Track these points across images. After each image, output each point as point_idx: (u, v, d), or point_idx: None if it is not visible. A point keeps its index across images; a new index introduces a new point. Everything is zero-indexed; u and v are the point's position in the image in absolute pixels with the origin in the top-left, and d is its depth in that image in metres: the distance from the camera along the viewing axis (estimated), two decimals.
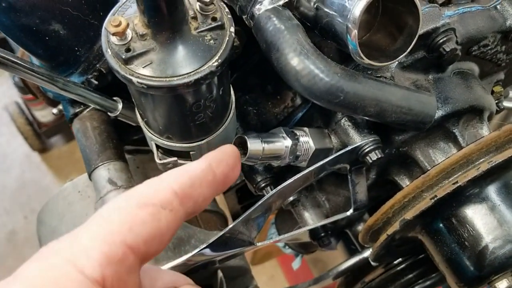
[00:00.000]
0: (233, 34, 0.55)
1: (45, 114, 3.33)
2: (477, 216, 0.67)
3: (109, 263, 0.39)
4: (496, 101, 0.91)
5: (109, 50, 0.53)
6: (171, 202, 0.45)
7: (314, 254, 1.88)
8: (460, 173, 0.63)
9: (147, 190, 0.45)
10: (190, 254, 0.63)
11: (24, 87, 3.07)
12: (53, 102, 1.03)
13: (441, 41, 0.67)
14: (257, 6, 0.64)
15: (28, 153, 3.44)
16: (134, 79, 0.52)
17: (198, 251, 0.65)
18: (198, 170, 0.49)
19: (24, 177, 3.37)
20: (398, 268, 0.94)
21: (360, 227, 0.93)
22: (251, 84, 0.89)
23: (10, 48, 2.04)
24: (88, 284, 0.38)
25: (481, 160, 0.63)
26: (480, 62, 0.78)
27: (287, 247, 1.01)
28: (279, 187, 0.67)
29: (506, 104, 1.15)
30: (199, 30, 0.54)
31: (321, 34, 0.64)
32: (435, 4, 0.70)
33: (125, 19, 0.51)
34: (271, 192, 0.67)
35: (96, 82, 0.72)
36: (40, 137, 3.40)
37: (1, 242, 3.12)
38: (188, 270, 0.68)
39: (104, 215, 0.42)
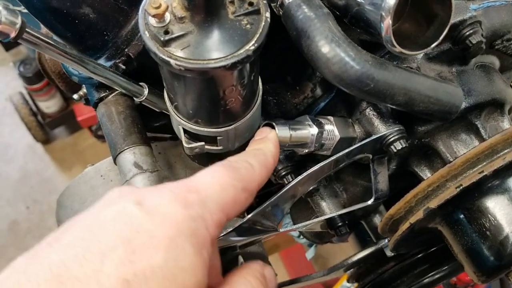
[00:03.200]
0: (268, 20, 0.56)
1: (49, 105, 3.33)
2: (498, 206, 0.68)
3: (218, 228, 0.48)
4: None
5: (147, 32, 0.54)
6: (255, 191, 0.54)
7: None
8: (485, 163, 0.64)
9: (248, 176, 0.54)
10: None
11: (31, 77, 3.07)
12: (71, 88, 1.03)
13: (467, 33, 0.68)
14: None
15: (31, 144, 3.45)
16: (172, 61, 0.52)
17: (223, 235, 0.66)
18: (271, 165, 0.60)
19: (27, 168, 3.38)
20: (411, 260, 0.95)
21: (376, 219, 0.94)
22: (272, 74, 0.90)
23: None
24: (210, 241, 0.46)
25: (506, 151, 0.64)
26: (501, 56, 0.79)
27: (301, 236, 1.02)
28: (304, 174, 0.68)
29: None
30: (236, 14, 0.54)
31: (351, 23, 0.65)
32: None
33: (164, 1, 0.52)
34: (296, 179, 0.68)
35: (123, 67, 0.72)
36: (43, 128, 3.40)
37: (3, 232, 3.12)
38: None
39: (222, 186, 0.50)
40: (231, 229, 0.64)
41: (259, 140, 0.65)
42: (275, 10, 0.67)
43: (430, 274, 0.97)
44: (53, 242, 0.43)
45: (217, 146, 0.69)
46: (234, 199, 0.51)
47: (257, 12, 0.55)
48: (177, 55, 0.53)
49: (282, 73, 0.90)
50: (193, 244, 0.44)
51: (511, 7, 0.75)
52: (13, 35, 0.56)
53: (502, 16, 0.73)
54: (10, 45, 3.34)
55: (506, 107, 0.77)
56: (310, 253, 1.09)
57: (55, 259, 0.41)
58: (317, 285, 2.16)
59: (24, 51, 3.30)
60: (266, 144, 0.63)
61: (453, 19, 0.68)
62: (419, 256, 0.95)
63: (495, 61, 0.79)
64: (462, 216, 0.70)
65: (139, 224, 0.43)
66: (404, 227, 0.71)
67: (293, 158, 0.81)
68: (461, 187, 0.63)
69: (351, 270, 1.05)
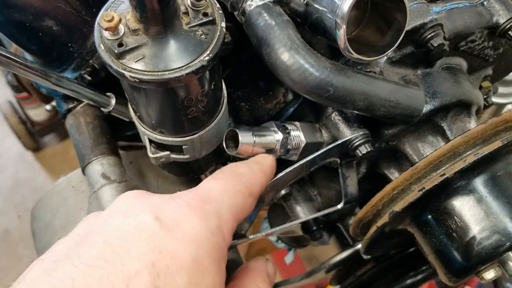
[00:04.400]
0: (224, 29, 0.56)
1: (39, 113, 3.32)
2: (464, 207, 0.68)
3: (231, 235, 0.50)
4: (485, 96, 0.92)
5: (101, 45, 0.54)
6: (258, 195, 0.57)
7: (308, 251, 1.89)
8: (447, 165, 0.65)
9: (252, 180, 0.56)
10: None
11: (18, 86, 3.07)
12: (46, 99, 1.04)
13: (428, 36, 0.69)
14: (248, 2, 0.65)
15: (21, 152, 3.43)
16: (127, 74, 0.53)
17: None
18: (270, 173, 0.62)
19: (18, 176, 3.36)
20: (389, 262, 0.96)
21: (351, 221, 0.95)
22: (244, 80, 0.90)
23: (1, 44, 2.04)
24: (226, 250, 0.48)
25: (468, 153, 0.65)
26: (468, 57, 0.79)
27: (279, 241, 1.02)
28: (270, 181, 0.68)
29: (495, 99, 1.17)
30: (191, 25, 0.55)
31: (311, 29, 0.65)
32: (423, 1, 0.71)
33: (117, 14, 0.52)
34: None
35: (89, 78, 0.73)
36: (33, 136, 3.39)
37: None
38: None
39: (231, 193, 0.52)
40: None
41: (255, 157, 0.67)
42: (237, 18, 0.68)
43: (409, 275, 0.97)
44: (74, 258, 0.42)
45: (183, 154, 0.69)
46: (242, 205, 0.53)
47: (212, 22, 0.55)
48: (131, 67, 0.53)
49: (254, 79, 0.90)
50: (214, 260, 0.45)
51: (474, 9, 0.75)
52: None
53: (465, 18, 0.74)
54: None
55: (473, 108, 0.77)
56: (289, 257, 1.09)
57: (80, 280, 0.40)
58: (309, 286, 2.16)
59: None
60: (262, 156, 0.66)
61: (414, 23, 0.69)
62: (397, 257, 0.96)
63: (462, 63, 0.79)
64: (430, 217, 0.71)
65: (160, 243, 0.43)
66: (372, 230, 0.71)
67: None
68: (423, 190, 0.64)
69: (332, 272, 1.05)
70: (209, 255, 0.45)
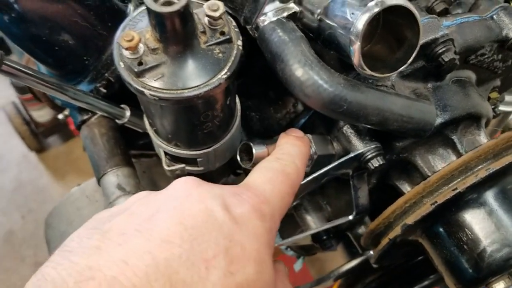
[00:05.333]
0: (240, 47, 0.57)
1: (42, 114, 3.33)
2: (475, 220, 0.69)
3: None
4: (493, 107, 0.93)
5: (121, 63, 0.55)
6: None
7: (314, 256, 1.90)
8: (459, 179, 0.66)
9: (297, 181, 0.58)
10: None
11: (24, 87, 3.06)
12: (57, 107, 1.05)
13: (440, 51, 0.69)
14: (262, 18, 0.66)
15: (25, 153, 3.45)
16: (146, 92, 0.53)
17: None
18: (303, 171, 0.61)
19: (21, 177, 3.38)
20: (398, 270, 0.97)
21: (361, 230, 0.96)
22: (254, 90, 0.91)
23: (7, 47, 2.04)
24: (275, 233, 0.50)
25: (479, 167, 0.66)
26: (477, 70, 0.80)
27: (289, 249, 1.03)
28: None
29: (501, 108, 1.18)
30: (208, 44, 0.56)
31: (324, 45, 0.66)
32: (434, 16, 0.72)
33: (137, 33, 0.53)
34: None
35: (104, 91, 0.74)
36: (37, 137, 3.40)
37: None
38: None
39: (282, 195, 0.54)
40: None
41: (298, 137, 0.67)
42: (250, 32, 0.68)
43: (416, 284, 0.98)
44: (145, 232, 0.43)
45: (197, 167, 0.70)
46: (287, 206, 0.54)
47: (228, 40, 0.56)
48: (151, 85, 0.54)
49: (264, 89, 0.91)
50: (270, 257, 0.47)
51: (484, 23, 0.76)
52: None
53: (475, 31, 0.74)
54: None
55: (482, 121, 0.78)
56: (298, 265, 1.10)
57: (159, 256, 0.41)
58: None
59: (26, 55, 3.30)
60: (304, 140, 0.67)
61: (426, 38, 0.70)
62: (405, 265, 0.97)
63: (471, 75, 0.80)
64: (441, 229, 0.72)
65: (230, 232, 0.44)
66: (384, 242, 0.72)
67: None
68: (435, 204, 0.65)
69: (340, 280, 1.06)
70: (266, 252, 0.46)
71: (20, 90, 3.20)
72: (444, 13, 0.83)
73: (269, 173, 0.55)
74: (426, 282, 0.99)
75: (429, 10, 0.83)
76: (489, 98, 0.89)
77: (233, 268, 0.42)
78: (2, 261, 3.00)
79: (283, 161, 0.58)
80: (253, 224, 0.46)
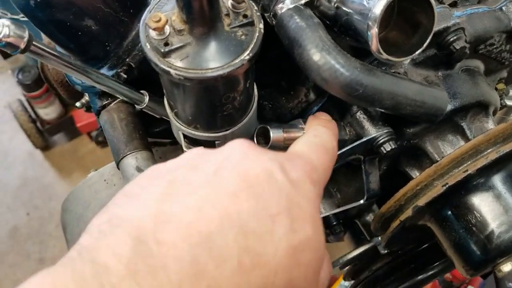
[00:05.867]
0: (262, 30, 0.59)
1: (48, 112, 3.36)
2: (484, 203, 0.71)
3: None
4: (499, 98, 0.95)
5: (148, 44, 0.57)
6: None
7: None
8: (469, 162, 0.68)
9: (334, 160, 0.59)
10: None
11: (30, 85, 3.09)
12: (73, 97, 1.07)
13: (451, 39, 0.72)
14: (280, 5, 0.68)
15: (30, 150, 3.47)
16: (172, 71, 0.56)
17: None
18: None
19: (27, 175, 3.40)
20: (404, 257, 0.99)
21: (369, 217, 0.98)
22: (267, 80, 0.94)
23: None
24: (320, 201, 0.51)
25: (489, 150, 0.68)
26: (485, 60, 0.83)
27: None
28: None
29: (507, 101, 1.20)
30: (232, 26, 0.58)
31: (340, 31, 0.68)
32: (446, 5, 0.75)
33: (164, 15, 0.55)
34: None
35: (125, 76, 0.76)
36: (42, 134, 3.43)
37: (3, 239, 3.15)
38: None
39: (325, 169, 0.55)
40: None
41: (328, 120, 0.69)
42: (268, 20, 0.71)
43: (422, 271, 1.00)
44: (213, 185, 0.44)
45: None
46: (327, 179, 0.56)
47: (251, 24, 0.59)
48: (176, 65, 0.56)
49: (277, 79, 0.93)
50: (321, 221, 0.48)
51: (493, 14, 0.78)
52: (22, 47, 0.59)
53: (485, 22, 0.77)
54: (8, 53, 3.37)
55: (491, 109, 0.81)
56: None
57: (230, 208, 0.42)
58: None
59: (23, 59, 3.33)
60: (333, 122, 0.68)
61: (438, 26, 0.72)
62: (412, 252, 0.99)
63: (479, 65, 0.82)
64: (449, 213, 0.74)
65: (289, 193, 0.46)
66: (394, 224, 0.74)
67: None
68: (447, 186, 0.67)
69: (347, 268, 1.08)
70: (319, 215, 0.48)
71: (26, 87, 3.23)
72: (453, 4, 0.85)
73: (313, 146, 0.57)
74: (432, 271, 1.00)
75: (438, 2, 0.86)
76: (496, 89, 0.92)
77: (295, 226, 0.44)
78: (7, 257, 3.02)
79: (322, 138, 0.60)
80: (307, 188, 0.48)
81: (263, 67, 0.92)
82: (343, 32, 0.67)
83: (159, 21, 0.55)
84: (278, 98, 0.93)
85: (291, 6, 0.68)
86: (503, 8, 0.79)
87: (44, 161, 3.46)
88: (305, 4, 0.68)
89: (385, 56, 0.61)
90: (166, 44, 0.56)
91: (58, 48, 0.80)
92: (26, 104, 3.39)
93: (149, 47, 0.57)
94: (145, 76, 0.79)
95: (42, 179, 3.36)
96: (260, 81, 0.93)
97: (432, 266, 1.00)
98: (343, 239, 1.17)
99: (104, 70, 0.77)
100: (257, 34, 0.59)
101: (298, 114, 0.89)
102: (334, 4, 0.67)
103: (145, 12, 0.60)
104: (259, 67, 0.92)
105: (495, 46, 0.80)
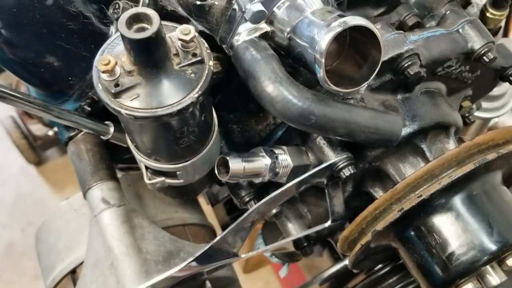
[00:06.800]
0: (211, 68, 0.61)
1: (40, 128, 3.35)
2: (443, 225, 0.72)
3: None
4: (467, 115, 0.97)
5: (99, 85, 0.59)
6: None
7: (308, 260, 1.93)
8: (424, 187, 0.69)
9: None
10: (178, 268, 0.68)
11: None
12: (48, 124, 1.08)
13: (405, 65, 0.73)
14: (236, 37, 0.70)
15: (24, 166, 3.47)
16: (123, 111, 0.57)
17: (185, 265, 0.70)
18: None
19: (21, 190, 3.40)
20: (379, 274, 1.00)
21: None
22: (235, 103, 0.95)
23: None
24: None
25: (443, 175, 0.69)
26: (446, 81, 0.84)
27: (273, 256, 1.07)
28: (259, 203, 0.73)
29: (480, 114, 1.22)
30: (181, 65, 0.59)
31: (294, 61, 0.69)
32: (401, 31, 0.76)
33: (113, 57, 0.57)
34: (252, 208, 0.72)
35: (89, 109, 0.77)
36: (35, 150, 3.43)
37: None
38: (178, 281, 0.74)
39: None
40: (191, 259, 0.69)
41: None
42: (226, 51, 0.72)
43: (399, 286, 1.01)
44: None
45: (177, 179, 0.74)
46: None
47: (200, 62, 0.60)
48: (127, 105, 0.58)
49: (245, 101, 0.95)
50: None
51: (450, 36, 0.80)
52: None
53: (441, 45, 0.78)
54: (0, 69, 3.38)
55: (451, 130, 0.82)
56: (283, 271, 1.13)
57: None
58: None
59: (14, 76, 3.34)
60: None
61: (391, 53, 0.74)
62: (386, 270, 1.00)
63: (440, 86, 0.83)
64: (412, 234, 0.75)
65: None
66: (356, 248, 0.75)
67: (256, 185, 0.85)
68: (402, 211, 0.68)
69: (326, 285, 1.09)
70: None
71: None
72: (417, 26, 0.87)
73: None
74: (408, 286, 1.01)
75: (402, 24, 0.87)
76: (461, 107, 0.93)
77: None
78: (2, 274, 3.02)
79: None
80: None
81: (231, 92, 0.94)
82: (296, 62, 0.69)
83: (108, 63, 0.56)
84: (247, 120, 0.95)
85: (247, 38, 0.69)
86: (460, 30, 0.80)
87: (37, 176, 3.46)
88: (260, 36, 0.70)
89: (333, 87, 0.62)
90: (117, 85, 0.58)
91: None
92: (18, 120, 3.39)
93: (100, 87, 0.59)
94: None
95: (36, 195, 3.36)
96: (229, 104, 0.95)
97: (408, 282, 1.01)
98: (323, 254, 1.18)
99: (69, 103, 0.79)
100: (206, 71, 0.60)
101: (266, 137, 0.90)
102: (287, 35, 0.68)
103: (98, 53, 0.61)
104: (227, 92, 0.94)
105: (453, 68, 0.81)
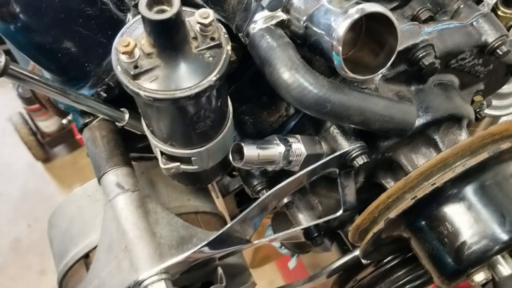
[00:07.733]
0: (229, 52, 0.61)
1: (49, 125, 3.38)
2: (455, 214, 0.73)
3: None
4: (477, 110, 0.97)
5: (119, 67, 0.59)
6: None
7: (312, 259, 1.93)
8: (438, 175, 0.70)
9: None
10: (191, 251, 0.69)
11: (30, 98, 3.13)
12: (61, 113, 1.09)
13: (420, 55, 0.74)
14: (252, 25, 0.70)
15: (31, 163, 3.50)
16: (142, 93, 0.58)
17: (199, 248, 0.71)
18: None
19: (28, 187, 3.42)
20: (388, 266, 1.00)
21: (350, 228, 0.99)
22: (248, 95, 0.96)
23: (13, 58, 2.10)
24: None
25: (457, 164, 0.69)
26: (459, 74, 0.84)
27: (283, 247, 1.07)
28: (273, 189, 0.73)
29: (489, 112, 1.22)
30: (199, 48, 0.60)
31: (310, 50, 0.70)
32: (415, 23, 0.77)
33: (133, 39, 0.57)
34: (266, 194, 0.73)
35: (105, 95, 0.78)
36: (43, 147, 3.45)
37: (4, 251, 3.17)
38: (189, 267, 0.74)
39: None
40: (204, 243, 0.70)
41: None
42: (242, 39, 0.73)
43: (406, 279, 1.01)
44: None
45: (192, 165, 0.74)
46: None
47: (218, 46, 0.61)
48: (146, 87, 0.58)
49: (258, 94, 0.96)
50: None
51: (464, 29, 0.80)
52: None
53: (456, 38, 0.79)
54: None
55: (464, 122, 0.82)
56: (292, 263, 1.14)
57: None
58: None
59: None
60: None
61: (406, 43, 0.74)
62: (395, 262, 1.00)
63: (453, 79, 0.84)
64: (423, 223, 0.75)
65: None
66: (368, 236, 0.76)
67: (268, 174, 0.86)
68: (415, 198, 0.69)
69: (335, 277, 1.09)
70: None
71: (27, 100, 3.26)
72: (429, 20, 0.87)
73: None
74: (417, 280, 1.01)
75: (415, 18, 0.87)
76: (473, 101, 0.93)
77: None
78: (8, 269, 3.04)
79: None
80: None
81: (244, 83, 0.95)
82: (312, 51, 0.69)
83: (127, 45, 0.57)
84: (259, 112, 0.95)
85: (263, 26, 0.70)
86: (474, 23, 0.81)
87: (44, 173, 3.49)
88: (276, 24, 0.70)
89: (350, 74, 0.63)
90: (136, 67, 0.58)
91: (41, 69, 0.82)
92: (26, 117, 3.42)
93: (119, 69, 0.59)
94: (125, 94, 0.81)
95: (43, 191, 3.38)
96: (242, 96, 0.95)
97: (417, 275, 1.01)
98: (331, 249, 1.19)
99: (85, 90, 0.80)
100: (224, 55, 0.61)
101: (278, 128, 0.91)
102: (303, 23, 0.69)
103: (117, 36, 0.62)
104: (240, 84, 0.95)
105: (467, 60, 0.82)
